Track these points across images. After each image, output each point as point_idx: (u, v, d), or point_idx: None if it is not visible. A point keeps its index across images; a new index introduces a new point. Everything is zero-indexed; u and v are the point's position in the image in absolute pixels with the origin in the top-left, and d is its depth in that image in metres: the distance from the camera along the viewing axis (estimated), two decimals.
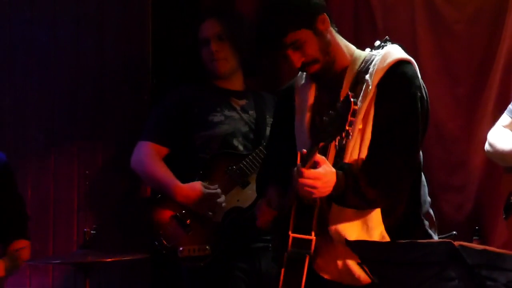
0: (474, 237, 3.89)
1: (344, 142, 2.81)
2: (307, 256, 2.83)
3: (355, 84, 2.89)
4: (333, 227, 2.86)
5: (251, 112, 3.93)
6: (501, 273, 2.36)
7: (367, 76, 2.86)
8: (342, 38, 3.01)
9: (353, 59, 2.95)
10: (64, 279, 4.31)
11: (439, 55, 4.11)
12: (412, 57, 2.94)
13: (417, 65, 2.92)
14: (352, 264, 2.86)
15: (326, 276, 2.93)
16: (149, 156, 3.85)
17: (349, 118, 2.65)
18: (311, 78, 3.01)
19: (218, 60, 3.89)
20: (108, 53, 4.43)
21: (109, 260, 3.36)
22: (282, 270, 2.86)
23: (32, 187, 4.33)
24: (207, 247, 3.71)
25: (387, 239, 2.85)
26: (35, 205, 4.27)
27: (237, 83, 3.98)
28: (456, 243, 2.34)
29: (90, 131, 4.40)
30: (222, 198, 3.73)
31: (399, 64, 2.87)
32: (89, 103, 4.42)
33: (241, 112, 3.92)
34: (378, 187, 2.79)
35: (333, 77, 2.94)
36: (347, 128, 2.65)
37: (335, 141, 2.75)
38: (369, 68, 2.88)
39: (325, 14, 2.92)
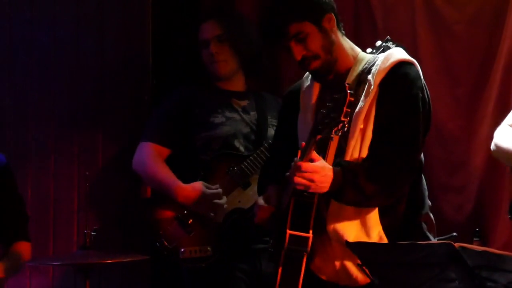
0: (474, 239, 3.89)
1: (344, 141, 2.82)
2: (305, 255, 2.83)
3: (357, 84, 2.91)
4: (331, 226, 2.87)
5: (252, 113, 3.93)
6: (502, 275, 2.37)
7: (369, 76, 2.88)
8: (348, 41, 3.03)
9: (357, 61, 2.97)
10: (64, 280, 4.31)
11: (439, 55, 4.11)
12: (413, 57, 2.95)
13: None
14: (350, 265, 2.87)
15: (323, 277, 2.93)
16: (151, 157, 3.85)
17: (345, 109, 2.66)
18: (313, 79, 3.02)
19: (218, 62, 3.90)
20: (108, 53, 4.42)
21: (109, 261, 3.36)
22: (280, 268, 2.87)
23: (32, 187, 4.32)
24: (208, 248, 3.71)
25: (385, 239, 2.86)
26: (35, 205, 4.26)
27: (238, 84, 3.98)
28: (457, 244, 2.35)
29: (90, 131, 4.40)
30: (223, 199, 3.73)
31: (401, 64, 2.88)
32: (89, 103, 4.41)
33: (242, 113, 3.92)
34: (377, 183, 2.79)
35: (336, 77, 2.95)
36: (342, 119, 2.66)
37: (332, 135, 2.74)
38: (371, 69, 2.89)
39: (332, 14, 2.95)
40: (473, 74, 4.08)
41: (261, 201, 3.04)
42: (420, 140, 2.87)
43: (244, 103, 3.96)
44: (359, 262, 2.61)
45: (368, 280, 2.78)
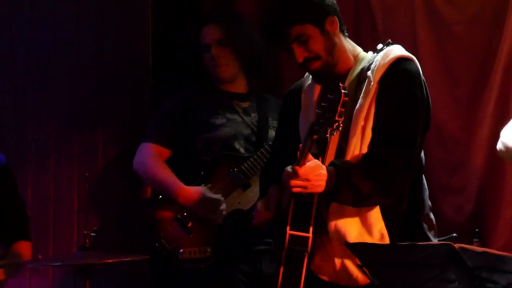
0: (474, 239, 3.89)
1: (344, 141, 2.82)
2: (306, 255, 2.83)
3: (358, 82, 2.91)
4: (332, 225, 2.86)
5: (253, 114, 3.93)
6: (501, 275, 2.37)
7: (369, 73, 2.88)
8: (351, 42, 3.04)
9: (357, 60, 2.98)
10: (64, 280, 4.31)
11: (439, 56, 4.10)
12: None
13: None
14: (350, 265, 2.87)
15: (323, 278, 2.93)
16: (152, 158, 3.85)
17: (339, 109, 2.67)
18: (313, 79, 3.02)
19: (219, 66, 3.90)
20: (108, 53, 4.42)
21: (109, 261, 3.35)
22: (281, 269, 2.87)
23: (32, 187, 4.32)
24: (208, 249, 3.71)
25: (386, 236, 2.85)
26: (35, 205, 4.26)
27: (239, 86, 3.98)
28: (457, 245, 2.35)
29: (90, 131, 4.39)
30: (223, 206, 3.73)
31: (401, 61, 2.88)
32: (89, 103, 4.41)
33: (243, 115, 3.92)
34: (373, 180, 2.78)
35: (336, 77, 2.95)
36: (337, 118, 2.66)
37: (327, 134, 2.74)
38: (371, 66, 2.90)
39: (335, 17, 2.95)
40: (473, 74, 4.08)
41: (259, 205, 3.04)
42: (419, 139, 2.87)
43: (245, 104, 3.96)
44: (359, 262, 2.61)
45: (368, 281, 2.78)
